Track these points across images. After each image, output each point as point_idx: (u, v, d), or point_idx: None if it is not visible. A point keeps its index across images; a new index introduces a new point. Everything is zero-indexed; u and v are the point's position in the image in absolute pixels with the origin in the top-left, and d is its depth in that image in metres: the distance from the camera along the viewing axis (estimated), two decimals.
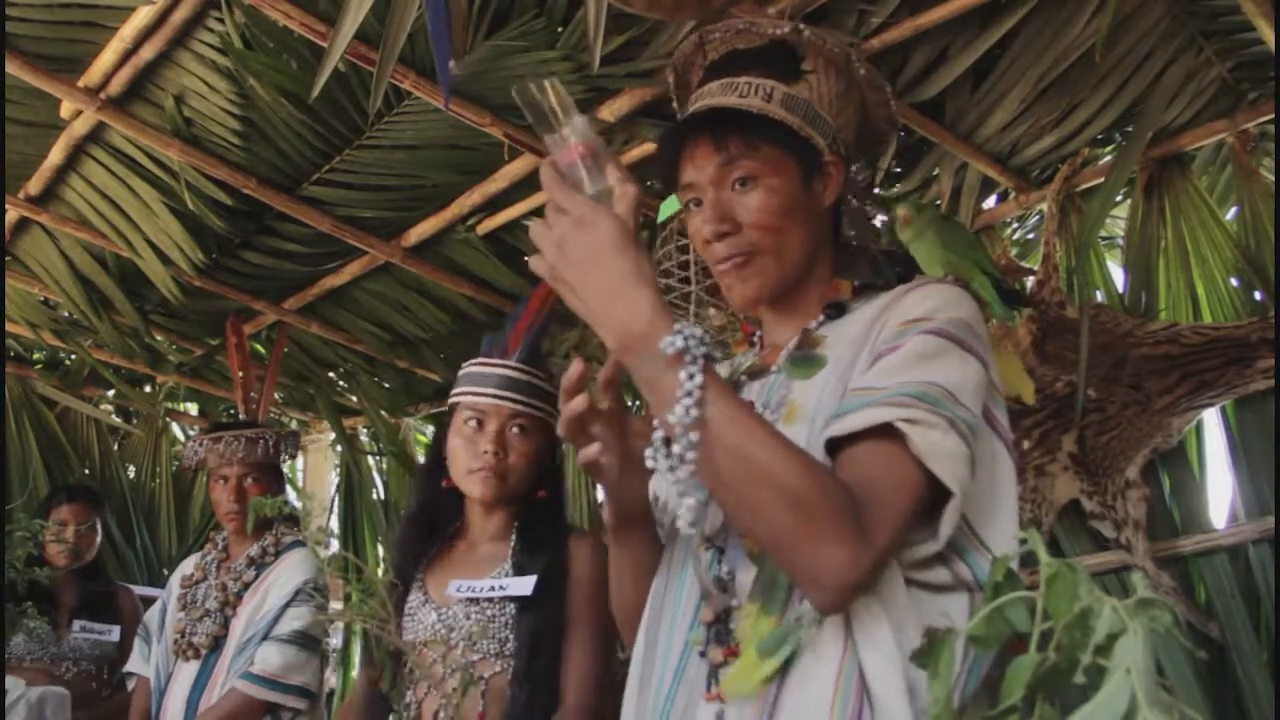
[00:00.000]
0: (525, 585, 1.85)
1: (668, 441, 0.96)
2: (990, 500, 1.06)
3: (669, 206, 2.34)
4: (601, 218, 0.94)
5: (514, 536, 1.96)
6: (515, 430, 1.94)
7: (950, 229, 2.17)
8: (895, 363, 1.02)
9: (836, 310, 1.20)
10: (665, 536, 1.22)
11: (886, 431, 0.97)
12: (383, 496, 4.41)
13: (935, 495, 0.98)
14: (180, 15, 2.42)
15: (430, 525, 2.03)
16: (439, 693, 1.81)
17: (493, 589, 1.86)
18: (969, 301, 1.11)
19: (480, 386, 1.97)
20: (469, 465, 1.94)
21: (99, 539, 3.37)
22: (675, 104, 1.39)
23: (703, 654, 1.05)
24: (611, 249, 0.93)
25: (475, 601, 1.87)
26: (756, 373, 1.23)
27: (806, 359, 1.15)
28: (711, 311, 2.48)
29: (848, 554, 0.91)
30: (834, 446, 1.01)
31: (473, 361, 2.04)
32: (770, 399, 1.16)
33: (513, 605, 1.86)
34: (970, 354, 1.05)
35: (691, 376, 0.91)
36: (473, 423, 1.95)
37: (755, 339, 1.32)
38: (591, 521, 3.52)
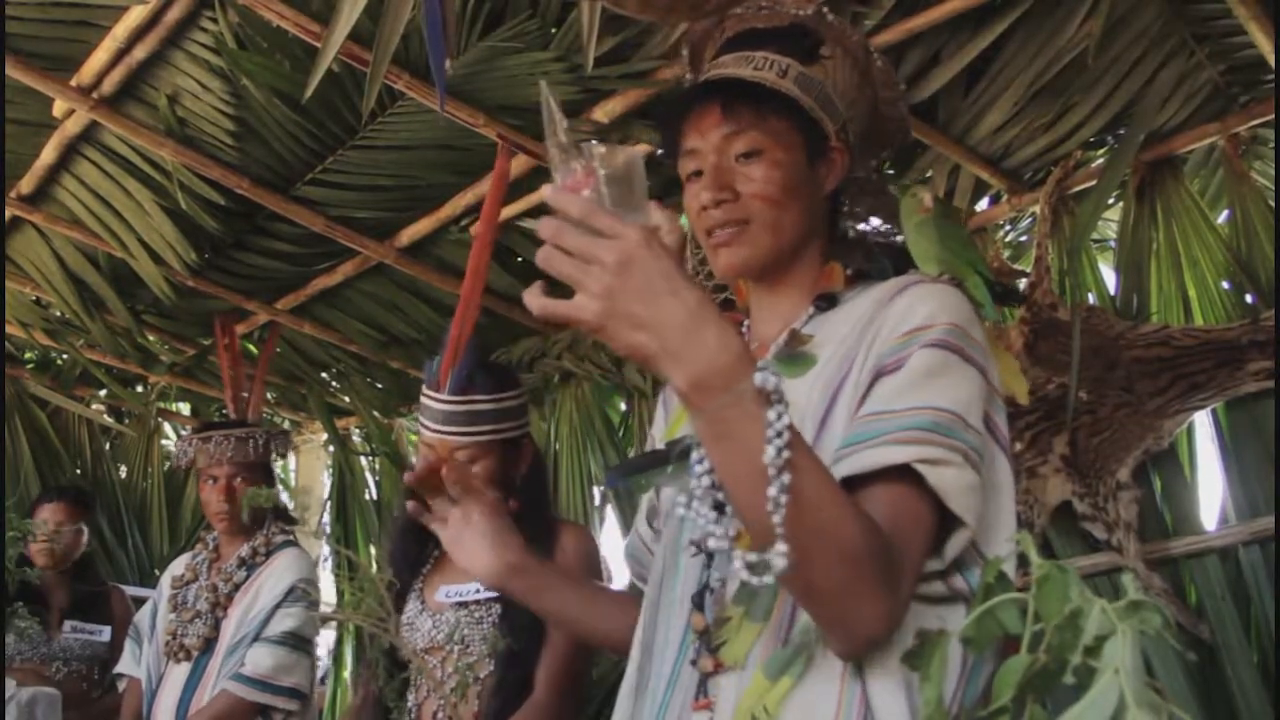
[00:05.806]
0: None
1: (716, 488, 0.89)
2: (992, 511, 1.04)
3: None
4: (660, 243, 0.83)
5: None
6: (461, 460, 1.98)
7: (949, 226, 2.16)
8: (902, 383, 1.00)
9: (828, 302, 1.19)
10: (661, 544, 1.22)
11: (903, 469, 0.95)
12: (375, 497, 4.40)
13: (944, 518, 0.97)
14: (173, 15, 2.41)
15: (422, 535, 2.05)
16: (438, 695, 1.87)
17: (478, 591, 1.93)
18: (965, 303, 1.09)
19: (427, 420, 2.04)
20: None
21: (84, 541, 3.35)
22: (689, 76, 1.37)
23: (694, 663, 1.04)
24: (682, 276, 0.83)
25: (465, 605, 1.93)
26: None
27: (795, 357, 1.14)
28: None
29: (883, 610, 0.90)
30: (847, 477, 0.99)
31: (423, 391, 2.09)
32: None
33: (498, 606, 1.91)
34: (971, 364, 1.04)
35: (780, 416, 0.83)
36: (430, 453, 2.02)
37: (744, 329, 1.30)
38: (584, 518, 3.53)
